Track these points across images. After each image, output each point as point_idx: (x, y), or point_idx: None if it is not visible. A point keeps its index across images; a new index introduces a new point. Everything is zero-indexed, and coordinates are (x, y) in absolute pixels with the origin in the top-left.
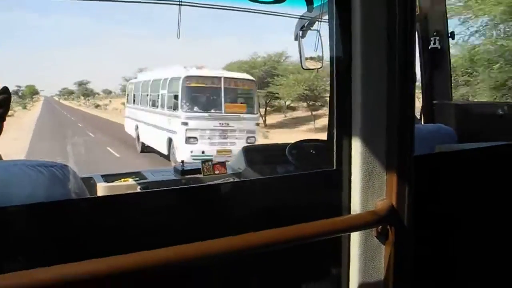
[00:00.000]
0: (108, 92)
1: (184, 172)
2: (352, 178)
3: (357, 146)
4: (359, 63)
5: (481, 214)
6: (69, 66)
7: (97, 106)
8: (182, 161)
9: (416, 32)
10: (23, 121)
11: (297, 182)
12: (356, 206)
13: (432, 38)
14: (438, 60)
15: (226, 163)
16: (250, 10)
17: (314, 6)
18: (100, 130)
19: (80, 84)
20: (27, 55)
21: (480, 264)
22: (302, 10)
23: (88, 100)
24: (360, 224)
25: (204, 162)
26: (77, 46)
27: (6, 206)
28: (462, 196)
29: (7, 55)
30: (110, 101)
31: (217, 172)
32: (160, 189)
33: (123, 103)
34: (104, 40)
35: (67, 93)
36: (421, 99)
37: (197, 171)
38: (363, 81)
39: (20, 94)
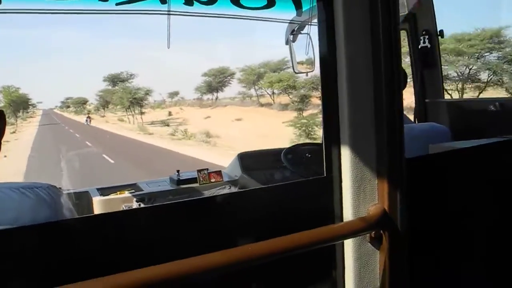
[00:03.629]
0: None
1: (180, 181)
2: (343, 184)
3: (346, 152)
4: (344, 66)
5: (479, 214)
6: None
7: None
8: (178, 171)
9: (406, 32)
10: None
11: (288, 191)
12: (348, 212)
13: (421, 37)
14: (428, 59)
15: (222, 170)
16: (239, 17)
17: (303, 9)
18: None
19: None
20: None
21: (478, 267)
22: (291, 14)
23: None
24: (353, 230)
25: (199, 171)
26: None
27: None
28: (458, 197)
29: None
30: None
31: (213, 180)
32: (149, 206)
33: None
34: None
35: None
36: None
37: (193, 180)
38: (349, 84)
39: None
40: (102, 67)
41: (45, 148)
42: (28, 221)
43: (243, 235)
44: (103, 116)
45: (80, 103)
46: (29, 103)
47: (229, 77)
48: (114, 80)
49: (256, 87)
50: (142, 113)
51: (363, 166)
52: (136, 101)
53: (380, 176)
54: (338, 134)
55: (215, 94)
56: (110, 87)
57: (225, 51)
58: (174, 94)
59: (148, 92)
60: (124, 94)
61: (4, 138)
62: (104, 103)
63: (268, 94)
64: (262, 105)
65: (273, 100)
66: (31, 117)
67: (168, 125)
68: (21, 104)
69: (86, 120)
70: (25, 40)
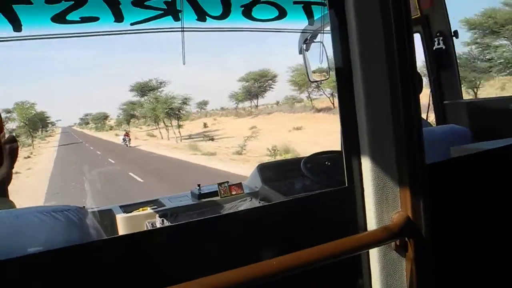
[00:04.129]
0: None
1: (201, 195)
2: (365, 193)
3: (366, 161)
4: (359, 74)
5: (504, 217)
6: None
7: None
8: (199, 185)
9: (419, 34)
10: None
11: (311, 203)
12: (372, 221)
13: (435, 39)
14: (444, 60)
15: (243, 183)
16: (252, 30)
17: (315, 18)
18: None
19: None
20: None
21: (506, 271)
22: (303, 24)
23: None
24: (377, 239)
25: (220, 184)
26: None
27: (19, 256)
28: (483, 201)
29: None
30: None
31: (234, 193)
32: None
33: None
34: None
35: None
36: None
37: (214, 193)
38: (365, 92)
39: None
40: (120, 81)
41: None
42: (59, 244)
43: (268, 249)
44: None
45: (101, 119)
46: (48, 121)
47: (270, 81)
48: (143, 89)
49: (310, 89)
50: (179, 126)
51: (384, 174)
52: (173, 112)
53: (402, 183)
54: (357, 143)
55: (254, 101)
56: (136, 98)
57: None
58: (202, 104)
59: (185, 101)
60: (158, 104)
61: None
62: (128, 117)
63: (327, 96)
64: (318, 110)
65: (333, 103)
66: (50, 135)
67: (212, 139)
68: (38, 122)
69: (124, 140)
70: (38, 60)
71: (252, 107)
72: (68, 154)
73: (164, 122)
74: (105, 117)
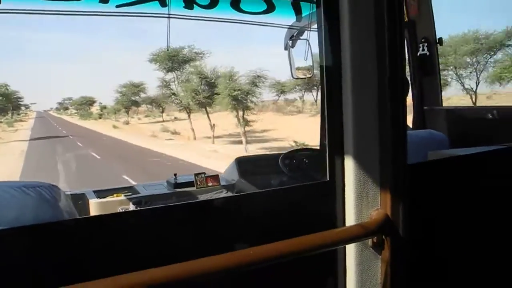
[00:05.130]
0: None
1: (177, 185)
2: (346, 189)
3: (349, 157)
4: (349, 72)
5: (478, 220)
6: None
7: None
8: (175, 174)
9: (405, 39)
10: None
11: (291, 195)
12: (350, 217)
13: (420, 45)
14: (427, 66)
15: (219, 175)
16: (239, 21)
17: (302, 15)
18: None
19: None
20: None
21: (478, 272)
22: (291, 19)
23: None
24: (355, 235)
25: (197, 174)
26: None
27: None
28: (458, 203)
29: None
30: None
31: (210, 184)
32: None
33: None
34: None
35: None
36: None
37: (190, 184)
38: (354, 90)
39: None
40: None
41: None
42: (30, 220)
43: (244, 238)
44: (127, 123)
45: (85, 104)
46: (20, 102)
47: None
48: (181, 61)
49: None
50: (247, 123)
51: (366, 171)
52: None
53: (383, 181)
54: (341, 138)
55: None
56: (159, 72)
57: None
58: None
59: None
60: (222, 84)
61: None
62: (129, 104)
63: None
64: None
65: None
66: (21, 120)
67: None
68: (8, 101)
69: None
70: (17, 41)
71: (298, 103)
72: (46, 156)
73: (232, 109)
74: (90, 102)
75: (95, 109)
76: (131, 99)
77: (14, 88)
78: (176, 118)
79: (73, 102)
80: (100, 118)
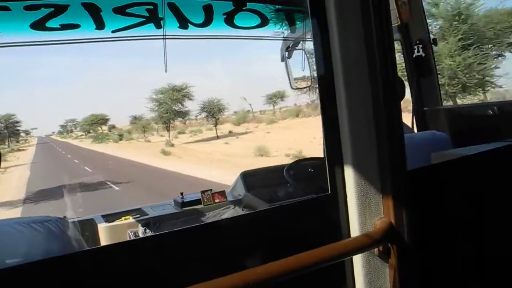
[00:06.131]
0: None
1: (184, 204)
2: (348, 200)
3: (349, 168)
4: (341, 82)
5: (485, 221)
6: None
7: None
8: (182, 193)
9: (400, 42)
10: None
11: (294, 211)
12: (355, 228)
13: (415, 47)
14: (423, 67)
15: (226, 190)
16: (234, 37)
17: (296, 26)
18: None
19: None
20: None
21: (489, 277)
22: (285, 31)
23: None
24: (361, 246)
25: (203, 192)
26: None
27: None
28: (462, 205)
29: None
30: None
31: (217, 201)
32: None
33: None
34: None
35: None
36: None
37: (197, 201)
38: (348, 100)
39: None
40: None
41: None
42: (39, 255)
43: (251, 257)
44: (172, 146)
45: (95, 124)
46: (17, 127)
47: None
48: None
49: None
50: None
51: (367, 181)
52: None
53: (384, 189)
54: (340, 150)
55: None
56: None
57: None
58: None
59: None
60: None
61: None
62: (171, 116)
63: None
64: None
65: None
66: (19, 150)
67: None
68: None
69: None
70: (14, 68)
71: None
72: None
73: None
74: (103, 121)
75: (107, 129)
76: (172, 109)
77: (10, 111)
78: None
79: (82, 121)
80: (120, 140)
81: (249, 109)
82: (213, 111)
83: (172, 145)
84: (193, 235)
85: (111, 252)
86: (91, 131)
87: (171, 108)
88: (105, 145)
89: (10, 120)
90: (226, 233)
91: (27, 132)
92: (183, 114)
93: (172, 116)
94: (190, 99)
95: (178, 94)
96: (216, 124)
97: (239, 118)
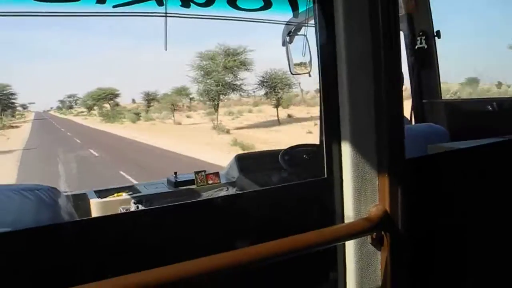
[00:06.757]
0: None
1: (177, 183)
2: (344, 185)
3: (347, 153)
4: (344, 67)
5: (478, 214)
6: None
7: None
8: (175, 173)
9: (402, 32)
10: None
11: (289, 193)
12: (349, 213)
13: (418, 38)
14: (425, 60)
15: (220, 172)
16: (236, 19)
17: (299, 11)
18: None
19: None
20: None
21: (479, 267)
22: (288, 16)
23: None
24: (354, 232)
25: (197, 172)
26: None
27: None
28: (458, 197)
29: None
30: None
31: (210, 182)
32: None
33: None
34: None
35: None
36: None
37: (191, 182)
38: (350, 85)
39: None
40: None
41: None
42: (29, 223)
43: (244, 237)
44: (228, 132)
45: (103, 99)
46: (12, 99)
47: None
48: None
49: None
50: None
51: (364, 167)
52: None
53: (381, 176)
54: (339, 135)
55: None
56: None
57: None
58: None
59: None
60: None
61: None
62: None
63: None
64: None
65: None
66: (11, 126)
67: None
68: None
69: None
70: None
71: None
72: None
73: None
74: (112, 96)
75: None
76: (223, 81)
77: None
78: None
79: (87, 96)
80: (138, 119)
81: (298, 90)
82: (276, 87)
83: (227, 131)
84: (185, 212)
85: (102, 224)
86: (89, 108)
87: (223, 79)
88: (117, 125)
89: (4, 91)
90: (220, 212)
91: (24, 106)
92: (238, 89)
93: (225, 90)
94: (248, 69)
95: (233, 60)
96: (277, 105)
97: (285, 100)
